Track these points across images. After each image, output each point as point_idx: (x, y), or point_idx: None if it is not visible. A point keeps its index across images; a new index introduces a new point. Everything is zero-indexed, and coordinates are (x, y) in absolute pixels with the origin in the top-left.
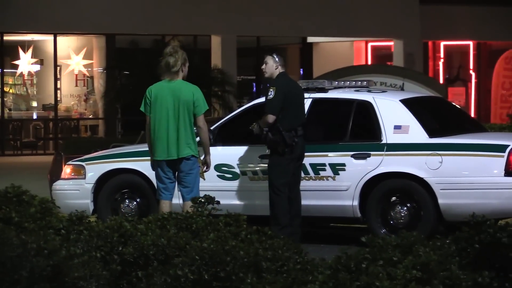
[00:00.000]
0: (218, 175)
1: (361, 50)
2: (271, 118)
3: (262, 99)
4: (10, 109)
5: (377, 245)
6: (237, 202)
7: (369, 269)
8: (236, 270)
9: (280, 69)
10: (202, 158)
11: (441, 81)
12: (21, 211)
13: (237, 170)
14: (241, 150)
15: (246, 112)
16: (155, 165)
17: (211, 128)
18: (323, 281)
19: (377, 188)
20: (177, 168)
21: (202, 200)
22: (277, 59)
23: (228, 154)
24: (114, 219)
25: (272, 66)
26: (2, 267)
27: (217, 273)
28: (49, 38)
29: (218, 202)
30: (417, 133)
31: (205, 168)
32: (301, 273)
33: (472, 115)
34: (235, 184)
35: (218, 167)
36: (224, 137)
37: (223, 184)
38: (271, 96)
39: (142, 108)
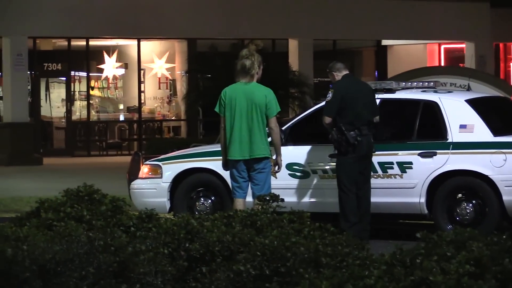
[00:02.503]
0: (289, 174)
1: (434, 52)
2: (326, 119)
3: None
4: (96, 111)
5: (432, 241)
6: (307, 199)
7: (423, 264)
8: (296, 266)
9: (340, 74)
10: (274, 158)
11: None
12: (92, 209)
13: (308, 169)
14: (311, 149)
15: (316, 113)
16: (229, 165)
17: (283, 128)
18: (379, 275)
19: (443, 186)
20: (250, 168)
21: (267, 198)
22: (332, 70)
23: (299, 154)
24: (181, 217)
25: (333, 79)
26: (70, 263)
27: (278, 269)
28: (133, 43)
29: (282, 200)
30: (482, 132)
31: (276, 168)
32: (358, 268)
33: None
34: (306, 182)
35: (289, 166)
36: (295, 137)
37: (294, 183)
38: (328, 98)
39: (216, 109)
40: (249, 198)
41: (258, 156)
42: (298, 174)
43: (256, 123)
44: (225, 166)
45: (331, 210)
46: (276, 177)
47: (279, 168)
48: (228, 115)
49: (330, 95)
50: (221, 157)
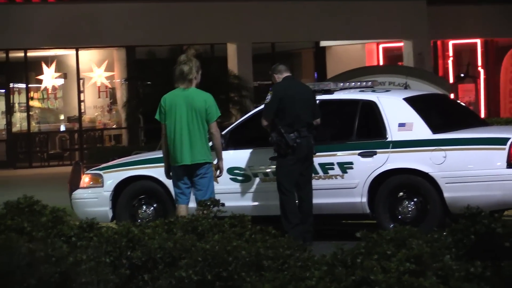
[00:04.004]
0: (230, 178)
1: (373, 51)
2: (263, 122)
3: None
4: (37, 122)
5: (372, 240)
6: (250, 203)
7: (364, 263)
8: (238, 270)
9: (281, 76)
10: (215, 163)
11: (451, 79)
12: (33, 220)
13: (249, 173)
14: (252, 153)
15: (255, 116)
16: (172, 171)
17: (223, 133)
18: (320, 276)
19: (384, 185)
20: (192, 173)
21: (208, 203)
22: (274, 72)
23: (240, 157)
24: (122, 225)
25: (275, 80)
26: (11, 276)
27: (220, 273)
28: (71, 52)
29: (223, 204)
30: (421, 130)
31: (218, 173)
32: (300, 270)
33: (482, 110)
34: (247, 186)
35: (230, 170)
36: (235, 141)
37: (236, 187)
38: (266, 101)
39: (157, 117)
40: (194, 204)
41: (200, 161)
42: (239, 178)
43: (197, 128)
44: (168, 174)
45: (273, 213)
46: (217, 182)
47: (221, 172)
48: (168, 122)
49: (269, 97)
50: (162, 164)
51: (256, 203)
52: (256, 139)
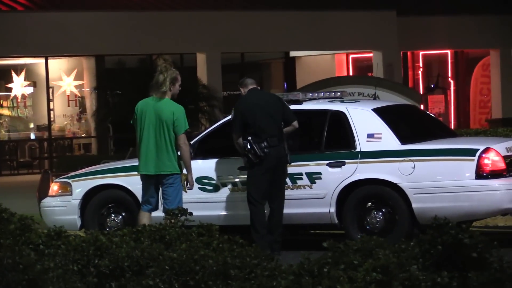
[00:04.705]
0: (199, 187)
1: (343, 62)
2: (234, 137)
3: None
4: (6, 131)
5: (339, 250)
6: (218, 213)
7: (330, 273)
8: (205, 279)
9: (246, 90)
10: (184, 174)
11: (421, 89)
12: (0, 228)
13: (218, 182)
14: (220, 162)
15: (223, 126)
16: (140, 178)
17: (191, 142)
18: (287, 286)
19: (353, 195)
20: (159, 182)
21: (175, 212)
22: (241, 85)
23: (208, 167)
24: (90, 233)
25: (242, 93)
26: None
27: (187, 282)
28: (41, 61)
29: (191, 214)
30: (389, 141)
31: (187, 184)
32: (266, 279)
33: (452, 121)
34: (215, 195)
35: (199, 180)
36: (204, 151)
37: (204, 196)
38: (232, 117)
39: (132, 121)
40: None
41: (164, 173)
42: (208, 187)
43: (163, 139)
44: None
45: (242, 223)
46: (186, 191)
47: (191, 185)
48: (138, 129)
49: (232, 113)
50: (130, 173)
51: (224, 213)
52: (224, 148)
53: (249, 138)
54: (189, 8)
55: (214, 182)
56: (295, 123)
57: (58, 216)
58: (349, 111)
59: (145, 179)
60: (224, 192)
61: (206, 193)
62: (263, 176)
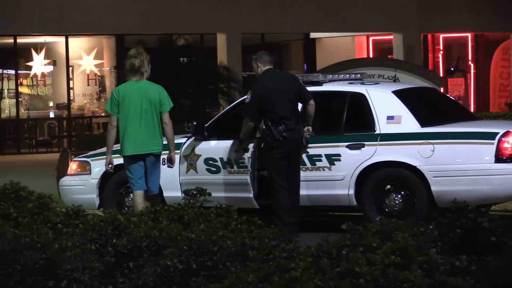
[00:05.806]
0: (206, 169)
1: (363, 44)
2: (246, 120)
3: None
4: (25, 109)
5: (358, 232)
6: (222, 194)
7: (349, 255)
8: (223, 259)
9: (263, 68)
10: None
11: (441, 72)
12: (19, 206)
13: (220, 164)
14: (229, 144)
15: (237, 107)
16: (124, 162)
17: (206, 125)
18: (305, 268)
19: (372, 177)
20: (144, 163)
21: (194, 192)
22: (258, 60)
23: (218, 148)
24: (108, 212)
25: (256, 69)
26: None
27: (205, 263)
28: (61, 39)
29: (209, 194)
30: (409, 123)
31: (169, 164)
32: (284, 261)
33: (472, 104)
34: (220, 177)
35: (206, 161)
36: (218, 132)
37: (212, 177)
38: (247, 99)
39: (107, 108)
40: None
41: (153, 151)
42: (213, 168)
43: (151, 119)
44: (108, 165)
45: (245, 206)
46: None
47: (173, 163)
48: (122, 113)
49: (248, 96)
50: None
51: (227, 195)
52: (236, 130)
53: (266, 121)
54: None
55: (217, 163)
56: (312, 102)
57: (77, 195)
58: (369, 93)
59: (133, 160)
60: (226, 173)
61: (212, 175)
62: (281, 160)
